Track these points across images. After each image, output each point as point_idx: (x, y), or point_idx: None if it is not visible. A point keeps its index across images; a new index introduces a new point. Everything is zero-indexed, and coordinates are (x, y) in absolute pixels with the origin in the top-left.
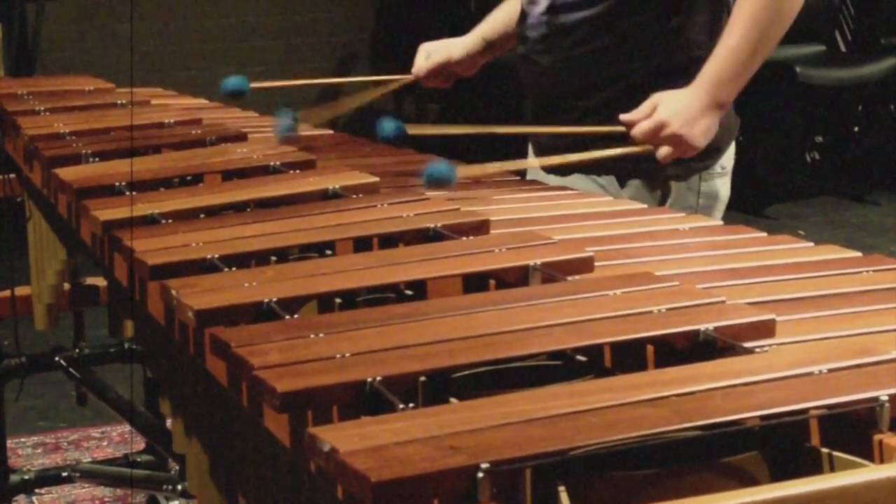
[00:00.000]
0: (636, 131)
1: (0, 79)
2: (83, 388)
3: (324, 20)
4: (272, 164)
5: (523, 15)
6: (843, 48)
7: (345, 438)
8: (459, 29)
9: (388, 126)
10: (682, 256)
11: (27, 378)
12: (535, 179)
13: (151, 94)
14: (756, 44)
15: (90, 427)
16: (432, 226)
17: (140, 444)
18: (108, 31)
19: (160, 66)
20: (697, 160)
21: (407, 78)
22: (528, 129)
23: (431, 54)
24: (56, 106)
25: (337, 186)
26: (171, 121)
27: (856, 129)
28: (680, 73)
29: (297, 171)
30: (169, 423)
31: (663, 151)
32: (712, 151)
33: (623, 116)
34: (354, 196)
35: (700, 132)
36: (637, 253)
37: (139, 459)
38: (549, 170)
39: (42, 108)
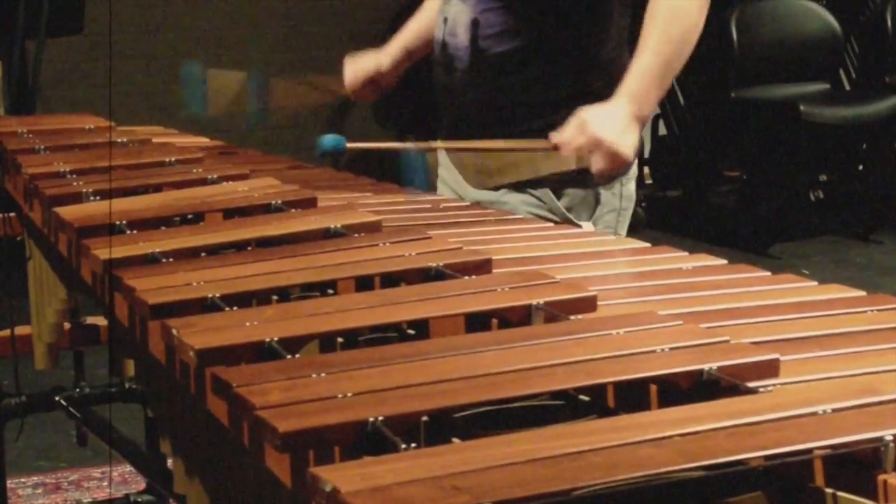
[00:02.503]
0: (570, 149)
1: (0, 117)
2: (83, 427)
3: (330, 58)
4: (273, 202)
5: (444, 45)
6: (847, 86)
7: (346, 479)
8: None
9: (327, 141)
10: (685, 295)
11: (27, 417)
12: (498, 205)
13: (152, 132)
14: (668, 59)
15: (91, 467)
16: (434, 265)
17: (141, 484)
18: (108, 70)
19: (162, 105)
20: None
21: (343, 91)
22: (464, 145)
23: (361, 65)
24: (56, 144)
25: (338, 225)
26: (173, 159)
27: (860, 167)
28: (601, 95)
29: (299, 210)
30: (170, 462)
31: (600, 166)
32: None
33: (554, 136)
34: (356, 235)
35: (629, 145)
36: (640, 292)
37: (140, 500)
38: (480, 185)
39: (42, 147)
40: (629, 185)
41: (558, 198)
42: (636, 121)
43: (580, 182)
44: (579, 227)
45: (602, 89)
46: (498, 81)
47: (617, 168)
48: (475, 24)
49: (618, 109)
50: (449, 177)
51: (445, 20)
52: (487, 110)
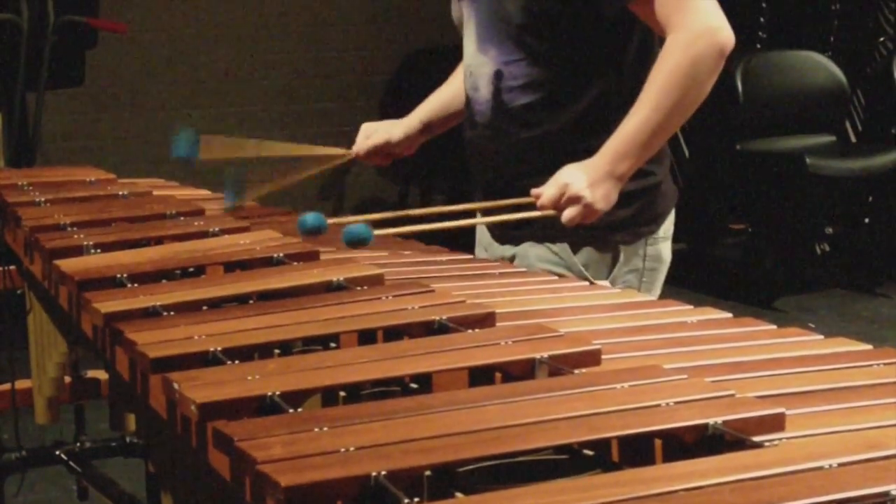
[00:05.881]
0: (543, 199)
1: (0, 169)
2: (84, 482)
3: (330, 109)
4: (275, 255)
5: (468, 101)
6: (853, 139)
7: None
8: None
9: (309, 220)
10: (690, 349)
11: (28, 472)
12: (501, 257)
13: (153, 184)
14: (659, 125)
15: None
16: (438, 318)
17: None
18: (109, 122)
19: (163, 157)
20: (643, 225)
21: (349, 154)
22: (441, 209)
23: (372, 135)
24: (57, 197)
25: (341, 278)
26: (174, 212)
27: (866, 220)
28: None
29: (301, 263)
30: None
31: (568, 213)
32: (657, 217)
33: (534, 190)
34: (359, 288)
35: (601, 196)
36: (645, 346)
37: None
38: (504, 240)
39: (43, 199)
40: (657, 246)
41: (575, 253)
42: (611, 178)
43: (598, 239)
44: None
45: None
46: (520, 135)
47: (587, 218)
48: (498, 76)
49: (593, 163)
50: (482, 237)
51: (471, 74)
52: (511, 164)
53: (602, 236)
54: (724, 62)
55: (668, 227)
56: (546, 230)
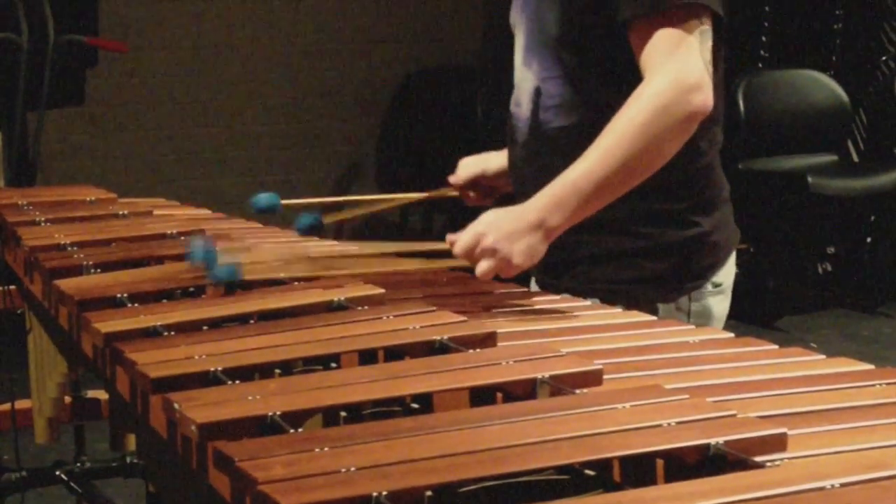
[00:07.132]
0: (457, 248)
1: (0, 189)
2: (84, 502)
3: (332, 129)
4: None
5: (510, 116)
6: (855, 158)
7: None
8: (466, 143)
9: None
10: (691, 369)
11: (27, 492)
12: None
13: (153, 204)
14: (606, 178)
15: None
16: (439, 338)
17: None
18: (109, 142)
19: (164, 177)
20: (686, 280)
21: (447, 192)
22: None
23: (467, 166)
24: (57, 216)
25: (342, 298)
26: (174, 231)
27: (868, 240)
28: (662, 184)
29: (302, 283)
30: None
31: (481, 267)
32: (704, 270)
33: (449, 235)
34: (360, 308)
35: (520, 250)
36: (646, 365)
37: None
38: (544, 287)
39: (43, 219)
40: (703, 301)
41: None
42: (537, 229)
43: (632, 296)
44: None
45: (664, 178)
46: (554, 161)
47: (503, 273)
48: (537, 92)
49: (518, 212)
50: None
51: (516, 87)
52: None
53: (635, 291)
54: (726, 81)
55: (720, 278)
56: (584, 284)
